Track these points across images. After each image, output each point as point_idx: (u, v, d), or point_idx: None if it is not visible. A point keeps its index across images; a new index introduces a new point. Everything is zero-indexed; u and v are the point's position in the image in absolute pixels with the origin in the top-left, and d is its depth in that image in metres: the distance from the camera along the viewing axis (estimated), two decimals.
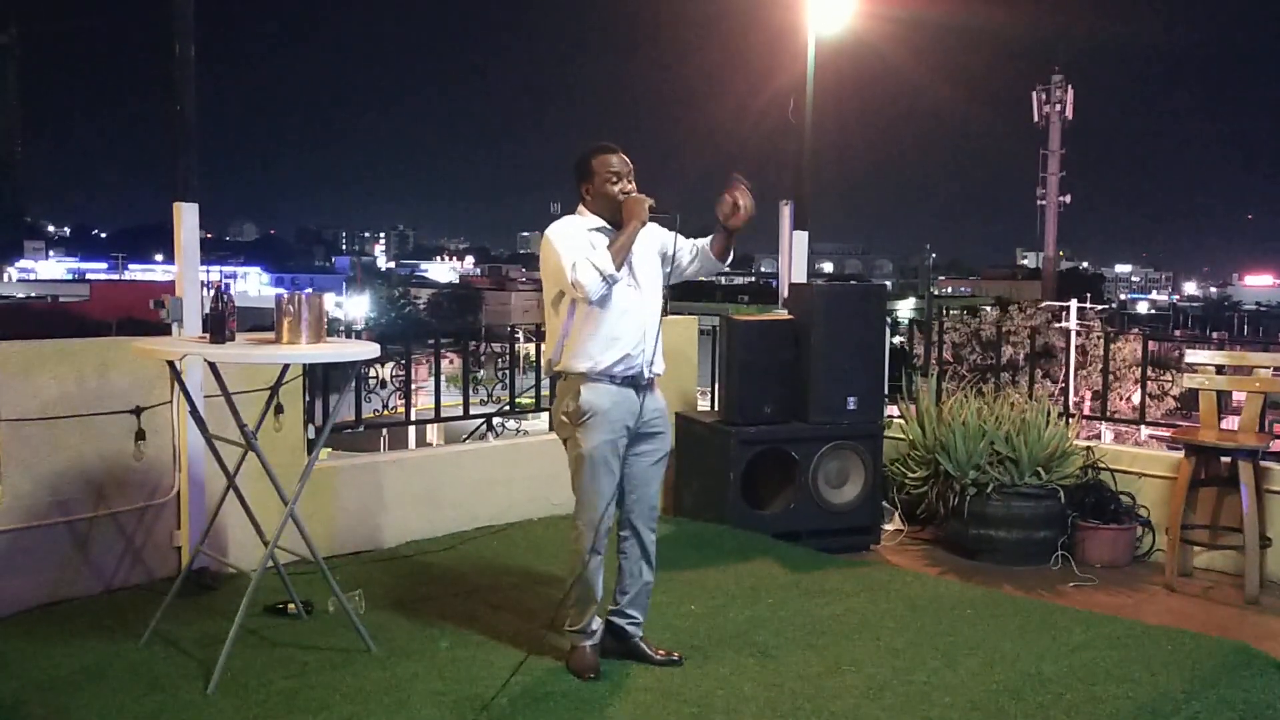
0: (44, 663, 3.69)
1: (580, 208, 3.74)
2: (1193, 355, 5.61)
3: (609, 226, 3.68)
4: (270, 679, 3.56)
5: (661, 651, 3.82)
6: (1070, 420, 5.88)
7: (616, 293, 3.60)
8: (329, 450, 5.62)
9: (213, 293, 3.80)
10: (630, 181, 3.69)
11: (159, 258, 72.85)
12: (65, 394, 4.32)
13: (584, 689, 3.56)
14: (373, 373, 6.16)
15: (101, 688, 3.49)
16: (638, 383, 3.65)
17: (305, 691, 3.47)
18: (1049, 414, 5.76)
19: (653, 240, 3.79)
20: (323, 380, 5.32)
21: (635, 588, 3.82)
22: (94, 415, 4.37)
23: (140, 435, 4.43)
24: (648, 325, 3.67)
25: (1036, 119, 30.31)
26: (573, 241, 3.61)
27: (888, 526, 6.03)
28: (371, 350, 4.11)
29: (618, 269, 3.55)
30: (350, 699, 3.42)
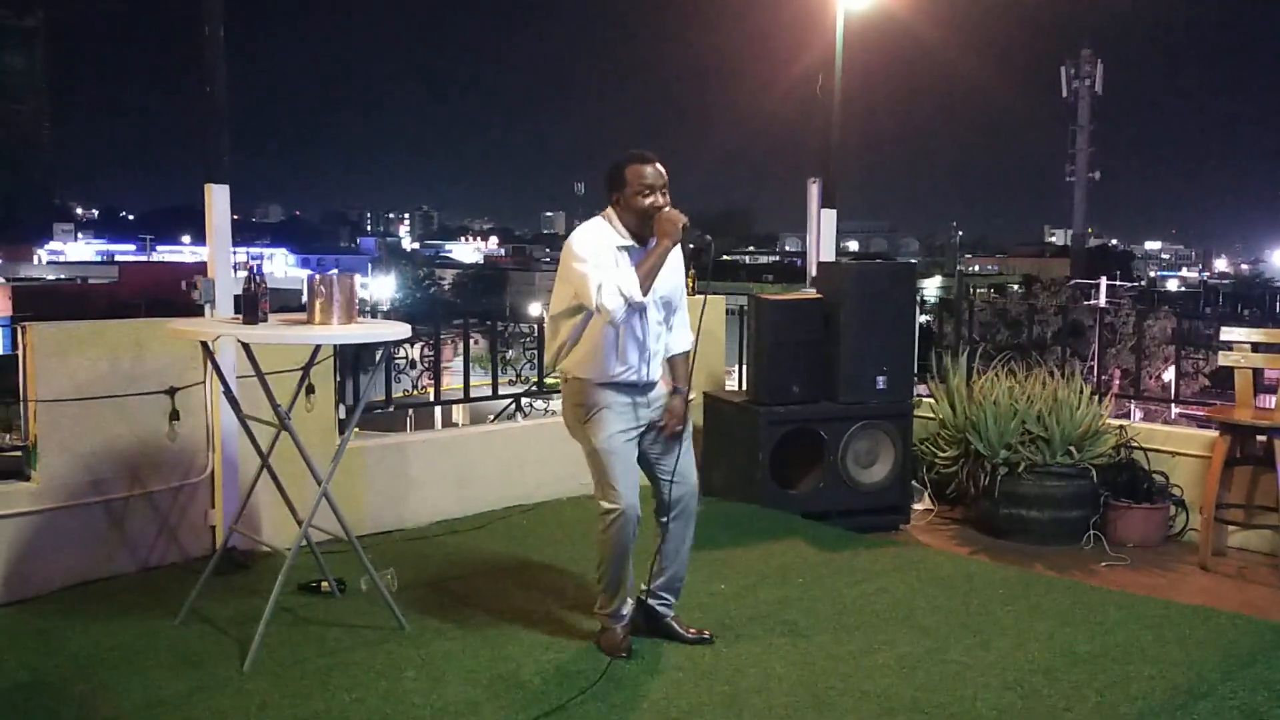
0: (83, 640, 3.75)
1: (609, 211, 3.62)
2: (1229, 333, 5.54)
3: (636, 246, 3.57)
4: (305, 657, 3.60)
5: (693, 630, 3.83)
6: (1103, 399, 5.83)
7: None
8: (357, 430, 5.65)
9: (245, 274, 3.81)
10: (664, 195, 3.56)
11: (186, 239, 73.39)
12: (100, 375, 4.36)
13: (616, 668, 3.57)
14: (401, 353, 6.19)
15: (140, 665, 3.54)
16: (637, 385, 3.64)
17: (339, 669, 3.51)
18: (1082, 393, 5.71)
19: (674, 266, 3.68)
20: (353, 361, 5.34)
21: (670, 570, 3.82)
22: (129, 396, 4.41)
23: (174, 415, 4.47)
24: (650, 347, 3.62)
25: (1065, 94, 29.99)
26: (598, 258, 3.47)
27: (917, 506, 6.01)
28: (403, 330, 4.11)
29: (644, 293, 3.44)
30: (384, 676, 3.45)
